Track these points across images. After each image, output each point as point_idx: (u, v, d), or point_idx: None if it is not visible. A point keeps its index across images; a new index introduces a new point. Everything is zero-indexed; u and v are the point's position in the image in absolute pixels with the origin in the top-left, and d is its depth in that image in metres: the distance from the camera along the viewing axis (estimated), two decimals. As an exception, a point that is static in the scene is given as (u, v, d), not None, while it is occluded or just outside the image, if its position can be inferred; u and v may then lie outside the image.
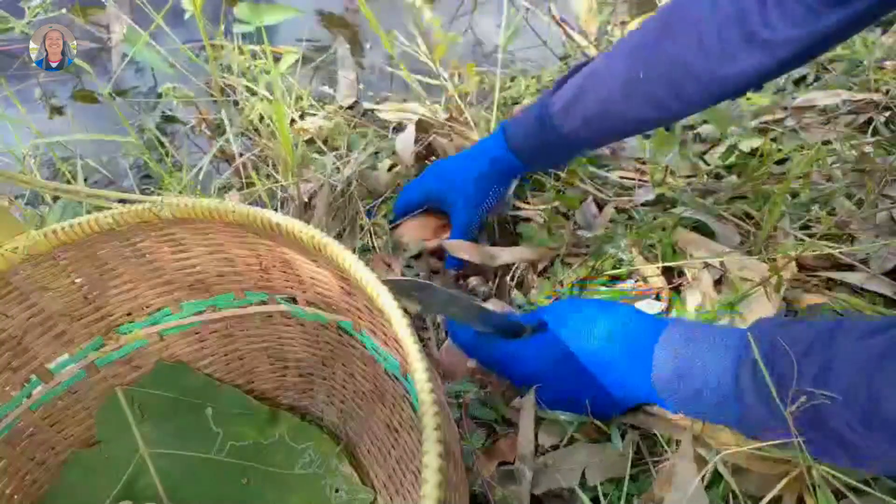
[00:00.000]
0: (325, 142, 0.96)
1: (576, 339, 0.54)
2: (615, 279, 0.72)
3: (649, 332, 0.52)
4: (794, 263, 0.68)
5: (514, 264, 0.75)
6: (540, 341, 0.56)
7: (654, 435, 0.57)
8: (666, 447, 0.55)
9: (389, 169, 0.91)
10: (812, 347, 0.43)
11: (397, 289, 0.48)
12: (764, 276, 0.65)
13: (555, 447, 0.57)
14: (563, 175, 0.86)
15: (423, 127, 0.94)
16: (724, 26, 0.55)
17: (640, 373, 0.51)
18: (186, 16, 1.10)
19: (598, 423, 0.58)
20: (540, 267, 0.75)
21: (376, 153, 0.95)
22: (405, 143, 0.93)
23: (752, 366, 0.46)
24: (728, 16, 0.55)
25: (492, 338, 0.58)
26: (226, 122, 0.92)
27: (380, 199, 0.86)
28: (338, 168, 0.86)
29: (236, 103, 1.03)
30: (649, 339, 0.52)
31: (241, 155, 0.92)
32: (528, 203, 0.83)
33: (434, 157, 0.93)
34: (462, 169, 0.77)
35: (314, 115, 1.00)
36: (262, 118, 0.93)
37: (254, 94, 1.01)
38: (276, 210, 0.64)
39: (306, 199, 0.84)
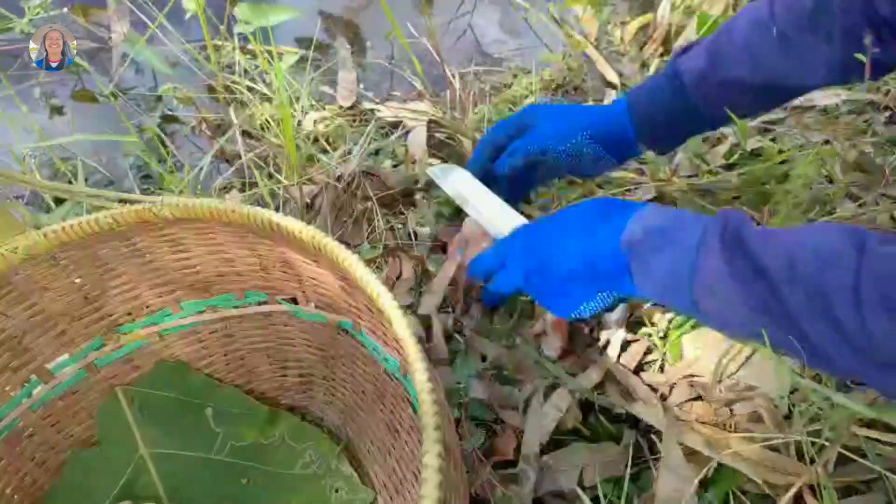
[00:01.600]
0: (326, 141, 0.96)
1: (560, 219, 0.57)
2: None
3: (624, 210, 0.53)
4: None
5: None
6: (531, 226, 0.60)
7: (654, 434, 0.57)
8: (664, 447, 0.55)
9: (394, 167, 0.91)
10: (780, 239, 0.43)
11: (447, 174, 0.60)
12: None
13: (555, 447, 0.58)
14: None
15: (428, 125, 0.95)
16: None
17: (613, 238, 0.52)
18: (187, 16, 1.10)
19: (600, 418, 0.58)
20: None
21: (377, 152, 0.95)
22: (417, 141, 0.93)
23: (719, 241, 0.45)
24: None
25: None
26: (233, 119, 0.92)
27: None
28: (340, 166, 0.86)
29: (237, 103, 1.03)
30: (624, 214, 0.53)
31: (241, 156, 0.92)
32: (530, 203, 0.83)
33: (440, 156, 0.93)
34: (571, 117, 0.69)
35: (315, 114, 1.00)
36: (264, 118, 0.93)
37: (255, 94, 1.01)
38: (277, 210, 0.64)
39: (308, 201, 0.84)
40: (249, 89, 1.01)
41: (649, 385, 0.61)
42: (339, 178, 0.86)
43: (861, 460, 0.50)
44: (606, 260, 0.52)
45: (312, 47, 1.02)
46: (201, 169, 0.86)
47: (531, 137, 0.69)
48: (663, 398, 0.60)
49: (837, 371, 0.44)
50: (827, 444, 0.50)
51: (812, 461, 0.51)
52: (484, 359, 0.66)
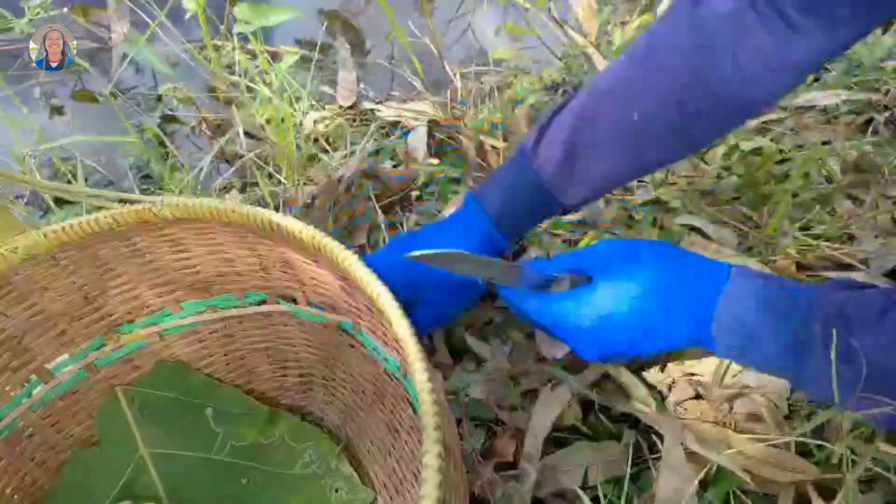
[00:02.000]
0: (326, 141, 0.96)
1: (625, 288, 0.48)
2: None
3: (709, 282, 0.48)
4: (794, 263, 0.69)
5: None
6: (585, 293, 0.50)
7: (654, 434, 0.57)
8: (665, 447, 0.55)
9: (394, 167, 0.91)
10: (883, 314, 0.41)
11: (435, 260, 0.48)
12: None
13: (555, 447, 0.58)
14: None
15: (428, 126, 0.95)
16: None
17: (699, 324, 0.47)
18: (187, 16, 1.10)
19: (600, 418, 0.58)
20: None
21: (377, 152, 0.95)
22: (418, 141, 0.93)
23: (821, 330, 0.43)
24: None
25: (538, 296, 0.52)
26: (233, 119, 0.91)
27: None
28: (341, 167, 0.87)
29: (237, 103, 1.03)
30: (709, 291, 0.47)
31: (242, 156, 0.92)
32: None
33: (442, 156, 0.94)
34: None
35: (315, 114, 1.00)
36: (265, 118, 0.93)
37: (255, 94, 1.01)
38: (277, 210, 0.64)
39: (309, 200, 0.84)
40: (249, 89, 1.01)
41: (650, 384, 0.61)
42: (339, 179, 0.86)
43: (876, 468, 0.50)
44: (683, 339, 0.48)
45: (317, 49, 1.02)
46: (201, 169, 0.86)
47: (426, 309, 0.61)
48: (664, 397, 0.60)
49: None
50: (828, 445, 0.50)
51: (817, 463, 0.51)
52: (484, 359, 0.66)
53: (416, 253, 0.47)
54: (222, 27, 1.07)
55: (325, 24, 1.27)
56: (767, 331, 0.45)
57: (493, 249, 0.63)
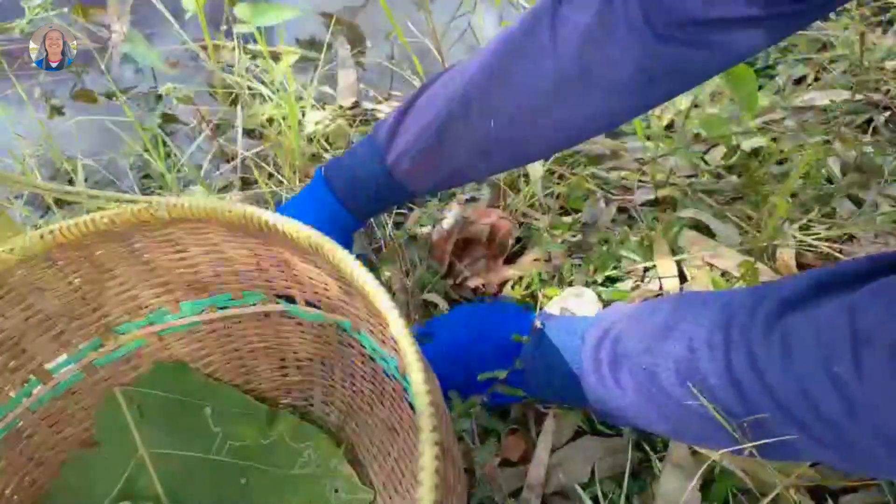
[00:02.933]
0: (326, 140, 0.96)
1: (453, 341, 0.60)
2: (614, 280, 0.72)
3: (513, 327, 0.58)
4: (793, 263, 0.68)
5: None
6: (428, 348, 0.60)
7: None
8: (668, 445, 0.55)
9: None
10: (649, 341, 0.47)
11: None
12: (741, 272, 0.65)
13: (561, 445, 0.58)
14: (566, 174, 0.86)
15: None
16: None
17: (508, 363, 0.56)
18: (187, 16, 1.10)
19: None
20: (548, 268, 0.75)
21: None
22: None
23: (594, 347, 0.50)
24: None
25: None
26: (234, 119, 0.91)
27: None
28: None
29: (238, 103, 1.03)
30: (512, 333, 0.57)
31: (242, 155, 0.92)
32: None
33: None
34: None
35: (316, 114, 1.00)
36: (265, 118, 0.93)
37: (255, 94, 1.01)
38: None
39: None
40: (249, 89, 1.01)
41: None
42: None
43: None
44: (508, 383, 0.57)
45: (319, 49, 1.02)
46: (201, 169, 0.86)
47: None
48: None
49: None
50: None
51: (816, 463, 0.51)
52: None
53: None
54: (223, 27, 1.07)
55: (325, 24, 1.27)
56: (550, 355, 0.54)
57: (342, 228, 0.66)
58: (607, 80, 0.51)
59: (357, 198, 0.65)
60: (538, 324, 0.56)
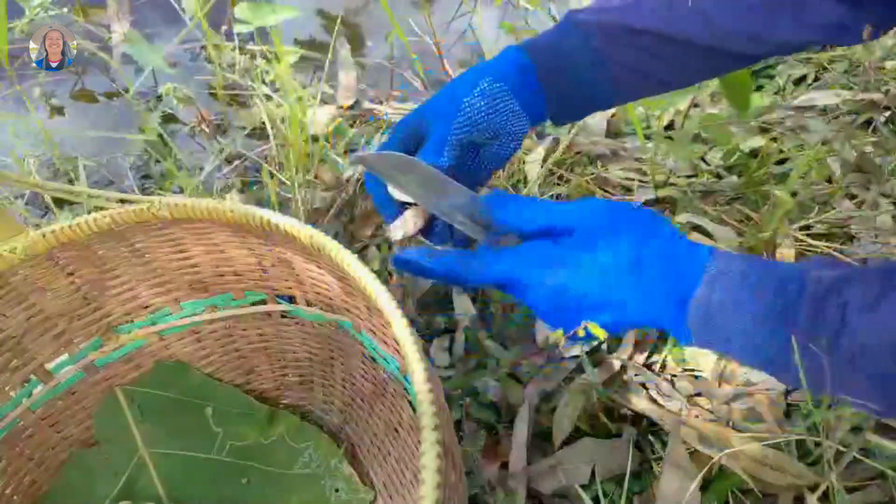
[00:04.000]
0: (326, 140, 0.96)
1: (602, 256, 0.45)
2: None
3: (687, 265, 0.44)
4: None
5: None
6: (558, 252, 0.45)
7: (654, 433, 0.57)
8: (668, 445, 0.55)
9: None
10: (882, 297, 0.38)
11: (377, 165, 0.44)
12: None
13: (560, 446, 0.58)
14: (565, 175, 0.86)
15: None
16: None
17: (675, 307, 0.44)
18: (187, 15, 1.10)
19: (599, 416, 0.58)
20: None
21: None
22: None
23: (812, 313, 0.40)
24: None
25: (497, 251, 0.46)
26: (234, 119, 0.91)
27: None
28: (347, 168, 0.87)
29: (238, 103, 1.03)
30: (689, 274, 0.44)
31: (242, 156, 0.92)
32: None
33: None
34: (453, 87, 0.54)
35: (317, 114, 1.00)
36: (266, 118, 0.93)
37: (255, 94, 1.01)
38: (279, 210, 0.64)
39: (310, 198, 0.84)
40: (249, 89, 1.01)
41: (652, 383, 0.61)
42: (347, 180, 0.86)
43: (866, 460, 0.50)
44: (661, 319, 0.44)
45: (320, 49, 1.02)
46: (202, 169, 0.86)
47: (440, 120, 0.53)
48: (666, 396, 0.60)
49: None
50: (828, 442, 0.50)
51: (815, 462, 0.51)
52: (486, 363, 0.66)
53: (359, 154, 0.45)
54: (224, 28, 1.07)
55: (325, 23, 1.27)
56: (751, 316, 0.42)
57: (526, 89, 0.55)
58: None
59: (556, 68, 0.55)
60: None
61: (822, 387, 0.40)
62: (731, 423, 0.57)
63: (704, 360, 0.62)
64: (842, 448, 0.50)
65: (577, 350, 0.64)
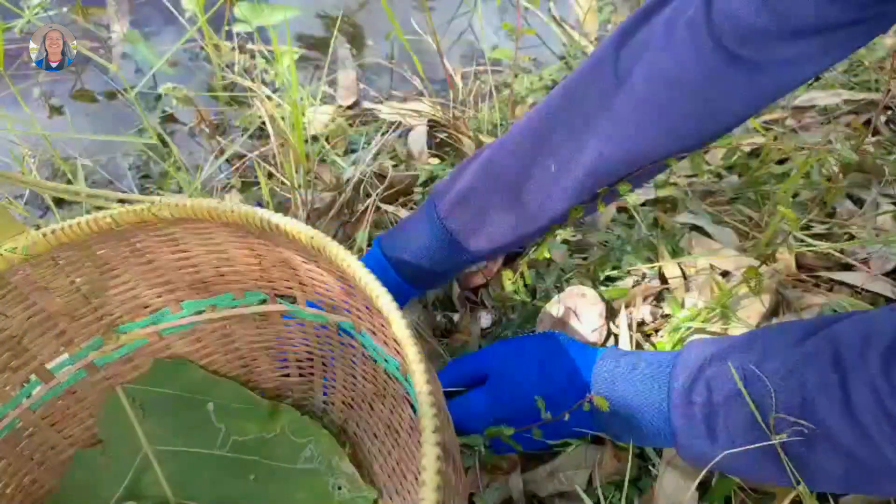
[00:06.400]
0: (326, 140, 0.96)
1: (517, 388, 0.55)
2: (614, 279, 0.72)
3: (582, 371, 0.53)
4: (793, 263, 0.69)
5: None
6: (482, 395, 0.56)
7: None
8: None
9: (394, 167, 0.91)
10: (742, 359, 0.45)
11: None
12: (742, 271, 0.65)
13: (557, 452, 0.58)
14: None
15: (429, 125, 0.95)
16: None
17: (581, 412, 0.52)
18: (187, 15, 1.10)
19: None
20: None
21: (378, 152, 0.95)
22: (418, 141, 0.93)
23: (683, 397, 0.47)
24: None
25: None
26: (233, 119, 0.91)
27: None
28: (348, 169, 0.87)
29: (238, 103, 1.03)
30: (583, 377, 0.53)
31: (242, 156, 0.92)
32: None
33: (442, 156, 0.94)
34: None
35: (318, 114, 1.00)
36: (266, 117, 0.93)
37: (255, 93, 1.01)
38: (281, 210, 0.64)
39: (311, 199, 0.84)
40: (249, 89, 1.01)
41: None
42: (347, 181, 0.86)
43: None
44: (572, 425, 0.53)
45: (320, 49, 1.02)
46: (202, 169, 0.86)
47: None
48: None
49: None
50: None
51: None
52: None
53: None
54: (225, 29, 1.07)
55: (325, 23, 1.27)
56: (630, 405, 0.50)
57: (403, 297, 0.65)
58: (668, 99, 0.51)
59: (412, 265, 0.62)
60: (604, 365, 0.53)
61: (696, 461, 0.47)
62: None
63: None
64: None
65: None
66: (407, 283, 0.63)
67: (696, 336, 0.63)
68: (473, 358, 0.59)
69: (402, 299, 0.64)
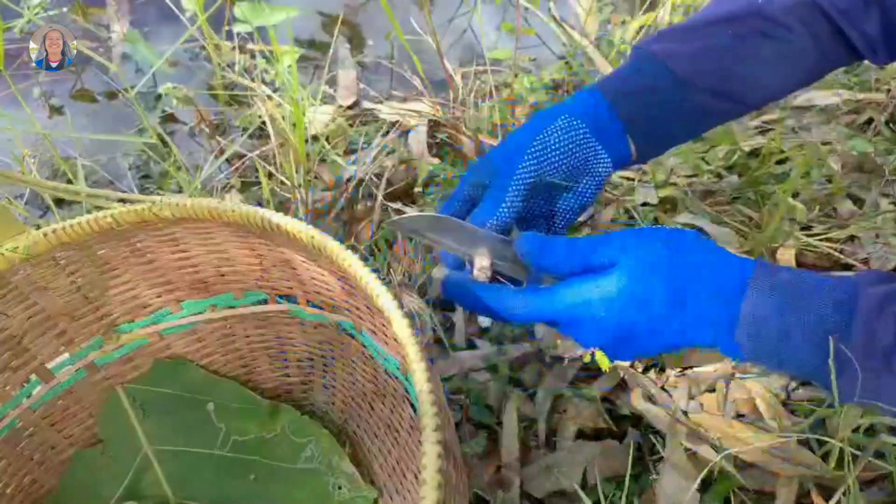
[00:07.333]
0: (326, 140, 0.96)
1: (646, 288, 0.44)
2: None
3: (732, 282, 0.44)
4: (793, 263, 0.69)
5: None
6: (602, 290, 0.44)
7: (654, 434, 0.57)
8: (668, 446, 0.55)
9: (394, 167, 0.91)
10: None
11: (413, 227, 0.44)
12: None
13: (556, 447, 0.58)
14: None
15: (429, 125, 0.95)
16: None
17: (722, 327, 0.44)
18: (187, 15, 1.10)
19: (602, 420, 0.58)
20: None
21: (378, 152, 0.95)
22: (418, 141, 0.93)
23: (862, 328, 0.40)
24: None
25: (541, 291, 0.45)
26: (233, 119, 0.91)
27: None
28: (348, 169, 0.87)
29: (238, 102, 1.03)
30: (733, 292, 0.44)
31: (242, 156, 0.92)
32: None
33: (442, 156, 0.94)
34: (521, 131, 0.52)
35: (318, 114, 1.00)
36: (267, 117, 0.93)
37: (255, 93, 1.01)
38: (281, 210, 0.64)
39: (310, 199, 0.84)
40: (249, 88, 1.01)
41: (652, 384, 0.61)
42: (348, 181, 0.86)
43: (872, 459, 0.49)
44: (710, 338, 0.44)
45: (320, 49, 1.02)
46: (202, 169, 0.86)
47: (513, 163, 0.51)
48: (666, 397, 0.60)
49: None
50: (831, 440, 0.50)
51: (823, 458, 0.51)
52: (489, 362, 0.66)
53: (392, 220, 0.45)
54: (225, 29, 1.07)
55: (325, 23, 1.27)
56: (797, 331, 0.42)
57: (607, 130, 0.53)
58: None
59: (632, 98, 0.53)
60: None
61: (876, 400, 0.40)
62: (730, 424, 0.57)
63: (704, 361, 0.62)
64: (842, 447, 0.50)
65: (579, 352, 0.64)
66: (620, 121, 0.53)
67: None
68: (583, 247, 0.46)
69: (609, 144, 0.53)
